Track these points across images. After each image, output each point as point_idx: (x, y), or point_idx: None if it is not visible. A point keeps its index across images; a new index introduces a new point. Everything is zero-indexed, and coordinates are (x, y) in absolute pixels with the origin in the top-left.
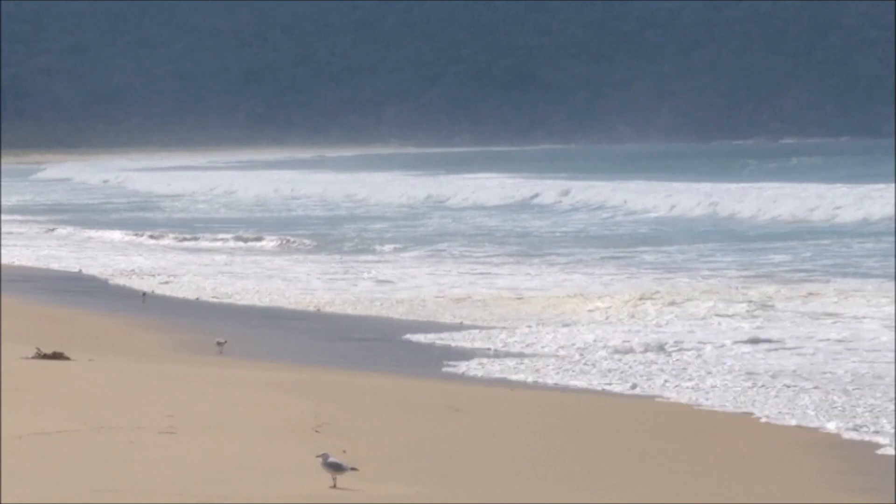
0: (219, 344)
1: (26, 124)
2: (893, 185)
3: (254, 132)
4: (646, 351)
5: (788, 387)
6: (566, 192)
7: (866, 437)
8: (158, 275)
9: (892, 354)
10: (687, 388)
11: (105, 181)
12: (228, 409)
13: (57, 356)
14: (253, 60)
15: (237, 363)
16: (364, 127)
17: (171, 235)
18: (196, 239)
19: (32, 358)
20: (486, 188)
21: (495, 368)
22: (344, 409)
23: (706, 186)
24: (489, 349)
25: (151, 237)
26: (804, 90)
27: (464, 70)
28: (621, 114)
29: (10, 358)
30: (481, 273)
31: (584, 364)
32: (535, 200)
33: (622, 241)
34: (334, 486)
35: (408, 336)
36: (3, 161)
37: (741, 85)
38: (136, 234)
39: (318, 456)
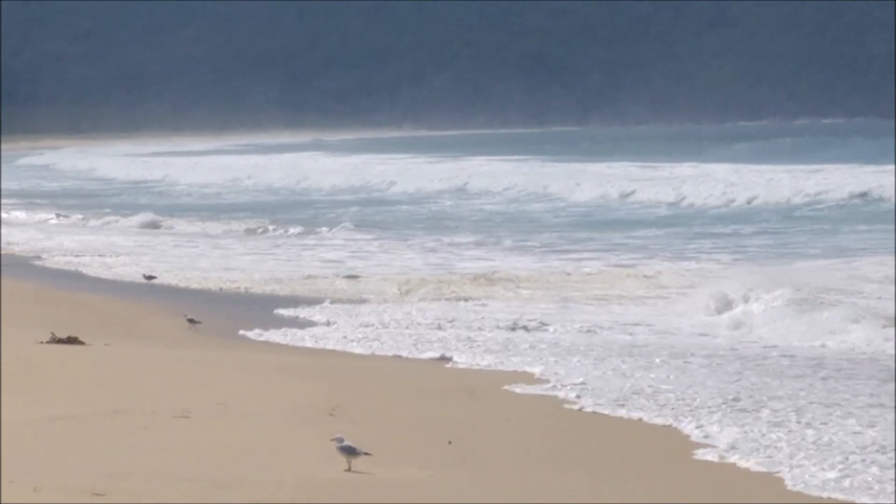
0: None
1: (41, 109)
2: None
3: (267, 116)
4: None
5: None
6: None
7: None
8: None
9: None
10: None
11: (85, 168)
12: (243, 393)
13: (72, 341)
14: (266, 44)
15: (249, 346)
16: (377, 110)
17: (79, 216)
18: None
19: (47, 342)
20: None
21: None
22: (357, 393)
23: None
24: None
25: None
26: (818, 71)
27: (477, 53)
28: (635, 96)
29: (25, 342)
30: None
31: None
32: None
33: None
34: (349, 470)
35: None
36: (17, 146)
37: (755, 66)
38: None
39: (332, 439)
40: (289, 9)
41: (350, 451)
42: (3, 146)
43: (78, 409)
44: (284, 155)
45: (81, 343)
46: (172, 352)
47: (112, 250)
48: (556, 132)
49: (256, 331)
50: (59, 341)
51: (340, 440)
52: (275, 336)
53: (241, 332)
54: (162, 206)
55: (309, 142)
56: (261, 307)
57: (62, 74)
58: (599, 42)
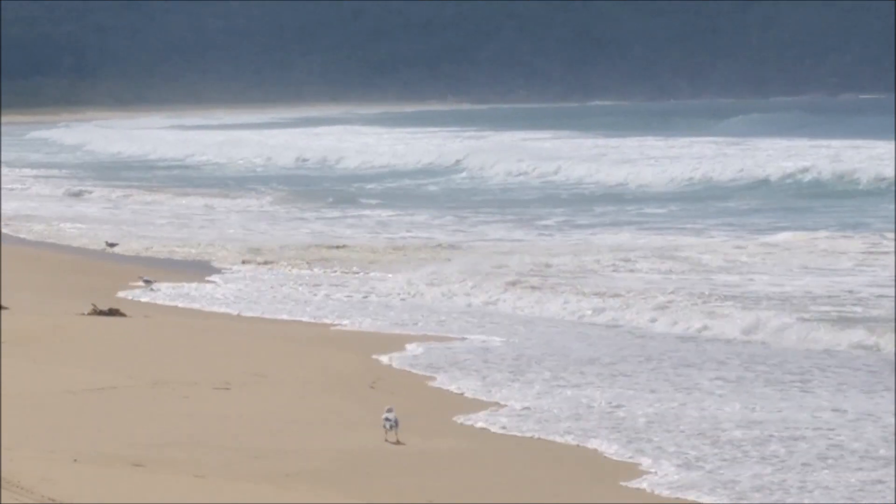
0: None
1: (84, 81)
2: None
3: (309, 90)
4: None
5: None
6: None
7: None
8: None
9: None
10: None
11: (78, 142)
12: (282, 364)
13: (113, 312)
14: (308, 17)
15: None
16: (420, 83)
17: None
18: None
19: (89, 314)
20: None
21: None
22: (394, 364)
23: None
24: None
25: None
26: (862, 45)
27: (520, 26)
28: (677, 70)
29: (66, 313)
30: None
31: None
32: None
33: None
34: (397, 442)
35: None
36: (60, 117)
37: (798, 40)
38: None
39: (387, 410)
40: None
41: (397, 424)
42: (46, 118)
43: (118, 380)
44: (314, 129)
45: (122, 315)
46: (212, 322)
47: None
48: (593, 107)
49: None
50: (101, 313)
51: (390, 410)
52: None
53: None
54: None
55: (339, 115)
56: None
57: (105, 46)
58: (642, 16)
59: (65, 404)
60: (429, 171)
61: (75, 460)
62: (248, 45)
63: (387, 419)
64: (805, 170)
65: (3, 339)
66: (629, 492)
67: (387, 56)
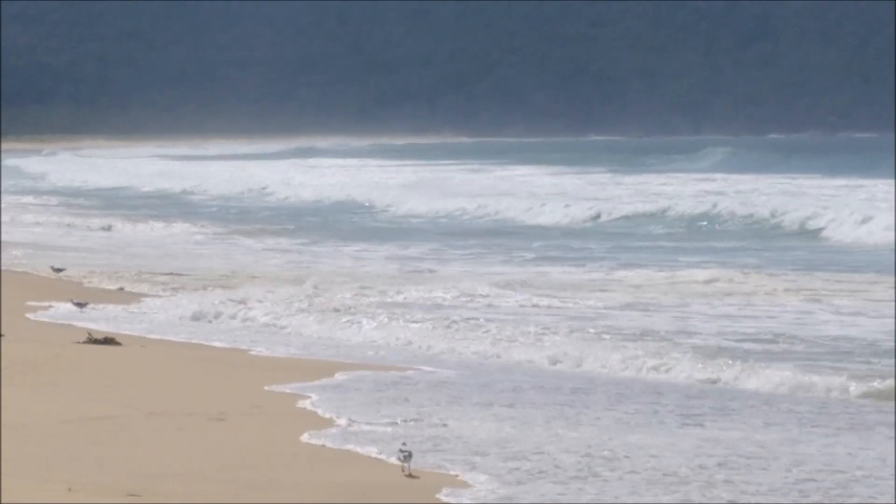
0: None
1: (82, 111)
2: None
3: (309, 121)
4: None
5: None
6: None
7: None
8: None
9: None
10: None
11: (44, 172)
12: (278, 395)
13: (108, 341)
14: (308, 49)
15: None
16: (418, 116)
17: None
18: None
19: (84, 342)
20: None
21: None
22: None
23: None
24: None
25: None
26: (859, 84)
27: (518, 61)
28: (675, 106)
29: (62, 342)
30: None
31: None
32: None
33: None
34: (410, 475)
35: None
36: (54, 145)
37: (796, 79)
38: None
39: (401, 447)
40: (331, 13)
41: (411, 456)
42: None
43: (114, 409)
44: (278, 161)
45: (118, 344)
46: (208, 353)
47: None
48: (588, 142)
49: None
50: (96, 341)
51: (404, 444)
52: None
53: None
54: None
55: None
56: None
57: (104, 75)
58: (640, 51)
59: (60, 434)
60: (343, 207)
61: (70, 489)
62: (247, 77)
63: (401, 450)
64: (665, 209)
65: (1, 367)
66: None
67: (386, 89)
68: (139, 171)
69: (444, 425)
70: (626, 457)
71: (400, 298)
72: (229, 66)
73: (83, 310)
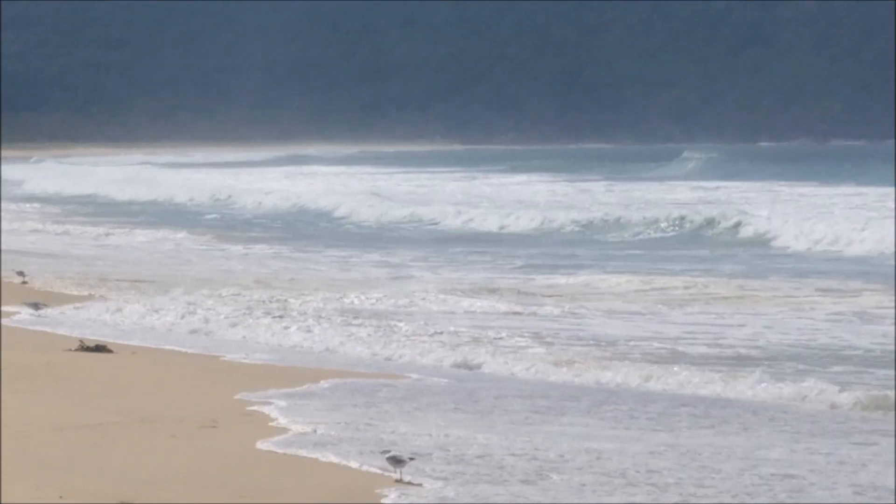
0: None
1: (72, 117)
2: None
3: (299, 128)
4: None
5: None
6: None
7: None
8: None
9: None
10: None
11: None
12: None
13: (100, 349)
14: (299, 56)
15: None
16: (409, 124)
17: None
18: None
19: (76, 350)
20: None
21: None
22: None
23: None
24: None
25: None
26: (852, 92)
27: (510, 68)
28: (668, 114)
29: (54, 350)
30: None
31: None
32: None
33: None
34: (399, 480)
35: None
36: (45, 153)
37: (788, 86)
38: None
39: (381, 451)
40: (323, 20)
41: (396, 462)
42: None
43: (105, 417)
44: (255, 169)
45: (109, 351)
46: (199, 360)
47: None
48: (577, 149)
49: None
50: (88, 349)
51: (387, 451)
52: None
53: None
54: None
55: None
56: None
57: (96, 82)
58: (633, 60)
59: (52, 441)
60: (301, 214)
61: (61, 497)
62: (240, 84)
63: (390, 458)
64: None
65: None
66: None
67: (378, 96)
68: (115, 179)
69: (393, 432)
70: (574, 460)
71: (347, 303)
72: (222, 73)
73: (39, 313)
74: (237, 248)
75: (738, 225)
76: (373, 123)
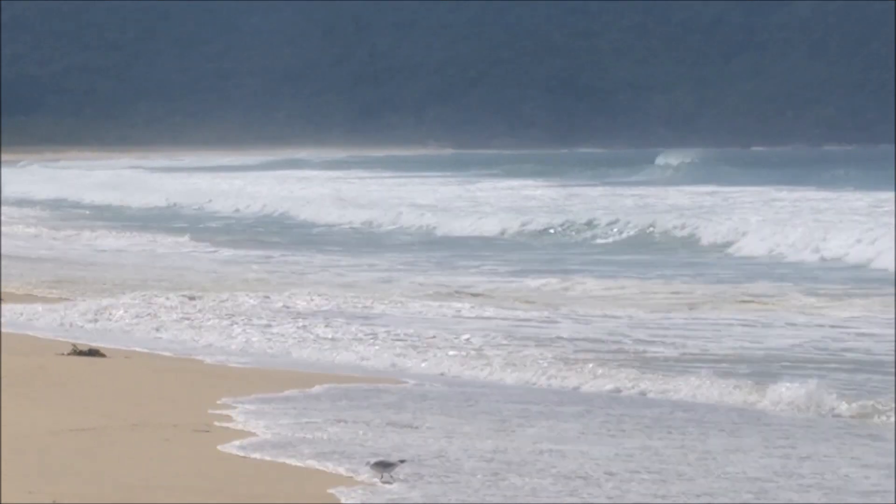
0: None
1: (66, 121)
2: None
3: (292, 132)
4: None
5: None
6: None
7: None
8: None
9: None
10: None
11: None
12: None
13: (93, 353)
14: (294, 60)
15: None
16: (403, 128)
17: None
18: None
19: (68, 354)
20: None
21: None
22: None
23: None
24: None
25: None
26: (846, 96)
27: (505, 72)
28: (662, 118)
29: (46, 354)
30: None
31: None
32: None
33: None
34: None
35: None
36: (37, 157)
37: (782, 90)
38: None
39: (366, 462)
40: (317, 25)
41: (385, 466)
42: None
43: (98, 421)
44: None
45: (102, 355)
46: (192, 364)
47: None
48: (571, 154)
49: None
50: (80, 353)
51: (369, 461)
52: None
53: None
54: None
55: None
56: None
57: (90, 86)
58: (627, 64)
59: (45, 445)
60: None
61: (54, 502)
62: (233, 88)
63: (375, 465)
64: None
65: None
66: None
67: (372, 100)
68: (97, 183)
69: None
70: (533, 462)
71: (302, 306)
72: (215, 77)
73: None
74: (219, 252)
75: (696, 231)
76: (366, 128)
